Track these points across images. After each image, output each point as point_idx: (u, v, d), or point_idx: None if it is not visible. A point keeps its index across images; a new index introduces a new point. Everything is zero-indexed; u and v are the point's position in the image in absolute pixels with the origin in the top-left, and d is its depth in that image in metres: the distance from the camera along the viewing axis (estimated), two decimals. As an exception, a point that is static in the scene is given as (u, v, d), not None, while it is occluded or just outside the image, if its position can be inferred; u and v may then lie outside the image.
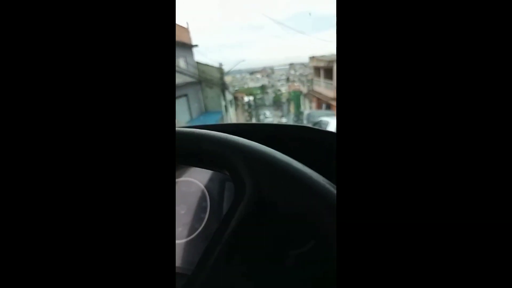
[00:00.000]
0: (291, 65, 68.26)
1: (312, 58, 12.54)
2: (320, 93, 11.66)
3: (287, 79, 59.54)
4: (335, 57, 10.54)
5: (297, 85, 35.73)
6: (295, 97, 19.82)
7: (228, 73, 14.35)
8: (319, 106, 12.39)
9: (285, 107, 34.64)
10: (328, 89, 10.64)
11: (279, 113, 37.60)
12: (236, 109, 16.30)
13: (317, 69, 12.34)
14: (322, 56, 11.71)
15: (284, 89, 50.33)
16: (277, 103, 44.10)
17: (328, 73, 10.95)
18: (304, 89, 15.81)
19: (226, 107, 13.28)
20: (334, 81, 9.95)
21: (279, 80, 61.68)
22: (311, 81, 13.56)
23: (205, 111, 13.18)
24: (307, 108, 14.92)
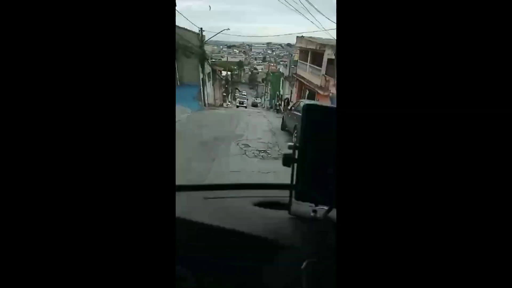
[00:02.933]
0: (269, 44, 65.37)
1: (300, 38, 11.38)
2: (303, 78, 10.78)
3: (264, 58, 57.14)
4: (328, 42, 9.61)
5: (273, 65, 34.28)
6: (275, 79, 18.64)
7: (207, 42, 12.47)
8: (300, 93, 11.57)
9: (260, 87, 33.27)
10: (314, 75, 9.78)
11: (253, 92, 36.13)
12: (213, 84, 14.64)
13: (304, 52, 11.30)
14: (312, 38, 10.64)
15: (260, 68, 48.34)
16: (252, 82, 42.34)
17: (316, 58, 10.02)
18: (286, 71, 14.73)
19: (203, 80, 11.65)
20: (323, 69, 9.08)
21: (255, 59, 58.93)
22: (295, 63, 12.47)
23: (180, 84, 11.42)
24: (287, 92, 13.99)
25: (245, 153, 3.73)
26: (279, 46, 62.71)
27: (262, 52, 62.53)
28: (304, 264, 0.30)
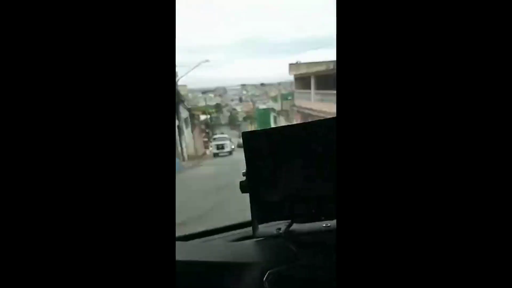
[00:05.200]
0: (243, 86, 66.74)
1: (295, 65, 9.31)
2: (310, 108, 8.38)
3: (240, 99, 57.22)
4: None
5: (251, 104, 33.30)
6: (262, 115, 16.38)
7: (180, 82, 10.05)
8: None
9: (243, 126, 31.41)
10: (326, 102, 7.39)
11: (236, 132, 34.07)
12: (192, 130, 11.79)
13: (302, 79, 9.14)
14: (309, 63, 8.57)
15: (239, 108, 47.47)
16: (233, 122, 40.70)
17: (322, 81, 7.78)
18: (277, 106, 12.52)
19: (180, 127, 8.80)
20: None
21: (232, 100, 58.84)
22: (291, 95, 10.25)
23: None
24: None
25: None
26: (253, 86, 64.03)
27: (238, 93, 63.10)
28: (266, 275, 0.33)
